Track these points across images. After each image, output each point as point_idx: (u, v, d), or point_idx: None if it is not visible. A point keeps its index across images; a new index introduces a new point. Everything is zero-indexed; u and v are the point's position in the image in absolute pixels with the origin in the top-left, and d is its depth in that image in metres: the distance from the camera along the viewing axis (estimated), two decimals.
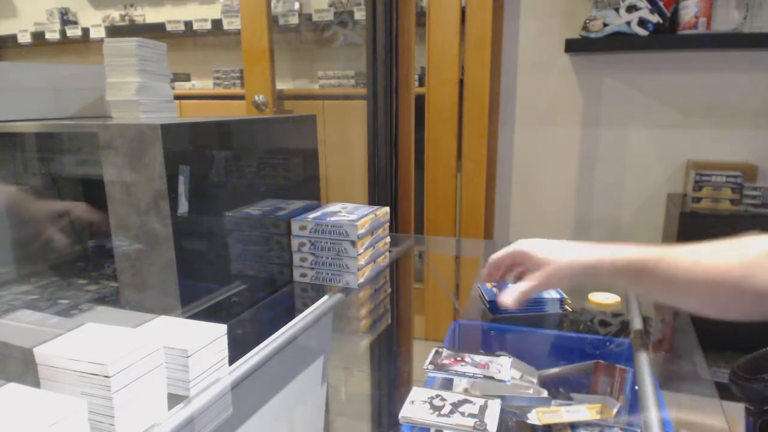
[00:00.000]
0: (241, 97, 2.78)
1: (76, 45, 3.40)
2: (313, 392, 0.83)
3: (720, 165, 2.00)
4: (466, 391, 0.70)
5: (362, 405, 0.87)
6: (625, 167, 2.26)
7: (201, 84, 3.26)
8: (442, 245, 1.76)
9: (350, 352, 1.00)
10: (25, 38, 3.45)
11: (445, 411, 0.61)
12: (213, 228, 0.92)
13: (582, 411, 0.66)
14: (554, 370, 0.79)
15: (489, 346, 0.90)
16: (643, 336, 0.85)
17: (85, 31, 3.31)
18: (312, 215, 1.08)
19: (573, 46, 2.08)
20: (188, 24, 3.07)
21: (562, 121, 2.29)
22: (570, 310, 1.00)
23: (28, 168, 1.03)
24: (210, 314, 0.87)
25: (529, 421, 0.66)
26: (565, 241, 0.79)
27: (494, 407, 0.62)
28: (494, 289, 1.03)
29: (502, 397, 0.66)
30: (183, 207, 0.83)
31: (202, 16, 3.08)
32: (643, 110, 2.18)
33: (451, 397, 0.64)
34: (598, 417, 0.65)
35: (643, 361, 0.76)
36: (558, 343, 0.91)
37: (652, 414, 0.65)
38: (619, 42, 2.00)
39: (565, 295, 1.01)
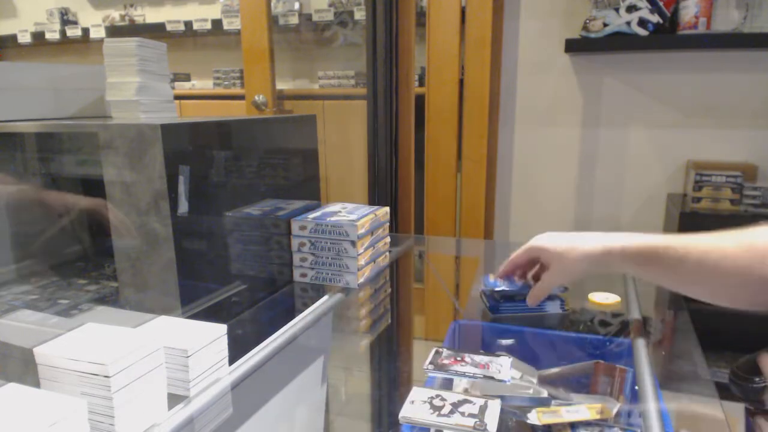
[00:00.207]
0: (241, 97, 2.78)
1: (76, 45, 3.40)
2: (313, 392, 0.83)
3: (720, 165, 2.00)
4: (466, 391, 0.70)
5: (362, 405, 0.87)
6: (625, 167, 2.26)
7: (201, 84, 3.26)
8: (442, 245, 1.76)
9: (350, 352, 1.00)
10: (25, 38, 3.45)
11: (445, 411, 0.61)
12: (213, 228, 0.92)
13: (582, 411, 0.66)
14: (554, 370, 0.79)
15: (489, 346, 0.90)
16: (643, 336, 0.85)
17: (85, 31, 3.31)
18: (312, 215, 1.08)
19: (573, 46, 2.08)
20: (188, 24, 3.07)
21: (562, 121, 2.29)
22: (570, 310, 1.00)
23: (28, 168, 1.03)
24: (210, 314, 0.87)
25: (529, 421, 0.66)
26: (577, 233, 0.81)
27: (494, 407, 0.62)
28: (499, 287, 1.03)
29: (502, 397, 0.66)
30: (183, 207, 0.83)
31: (202, 16, 3.08)
32: (643, 110, 2.18)
33: (451, 397, 0.64)
34: (598, 417, 0.65)
35: (643, 361, 0.76)
36: (558, 343, 0.91)
37: (652, 414, 0.65)
38: (619, 42, 2.00)
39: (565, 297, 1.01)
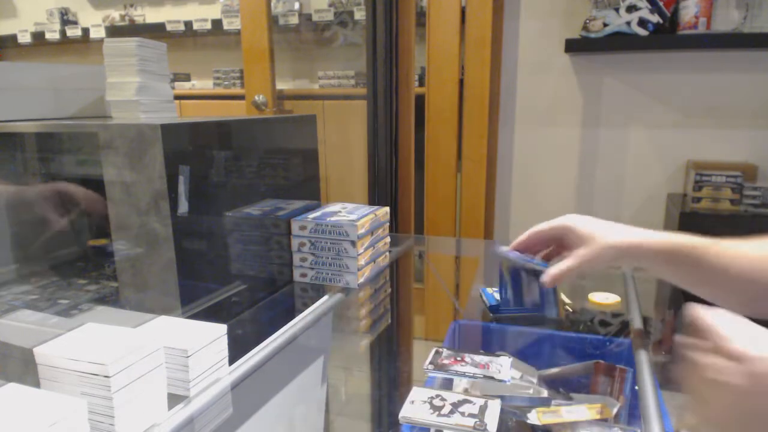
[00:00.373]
0: (241, 97, 2.78)
1: (76, 45, 3.40)
2: (313, 392, 0.83)
3: (720, 165, 2.00)
4: (466, 391, 0.70)
5: (362, 405, 0.87)
6: (625, 167, 2.26)
7: (201, 84, 3.26)
8: (442, 245, 1.76)
9: (350, 352, 1.00)
10: (25, 38, 3.45)
11: (445, 411, 0.61)
12: (213, 228, 0.92)
13: (582, 411, 0.66)
14: (554, 370, 0.79)
15: (489, 346, 0.90)
16: (643, 336, 0.85)
17: (85, 31, 3.31)
18: (312, 215, 1.08)
19: (573, 46, 2.08)
20: (188, 24, 3.07)
21: (562, 121, 2.29)
22: (570, 310, 1.00)
23: (28, 168, 1.03)
24: (210, 314, 0.87)
25: (529, 421, 0.66)
26: (606, 221, 0.78)
27: (494, 407, 0.62)
28: (495, 294, 1.03)
29: (502, 397, 0.66)
30: (183, 207, 0.83)
31: (202, 16, 3.08)
32: (643, 110, 2.18)
33: (451, 397, 0.64)
34: (598, 417, 0.65)
35: (643, 361, 0.76)
36: (558, 343, 0.91)
37: (652, 414, 0.65)
38: (619, 42, 2.00)
39: (565, 299, 1.01)
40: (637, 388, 0.72)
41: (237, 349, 0.73)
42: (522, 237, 0.87)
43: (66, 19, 3.40)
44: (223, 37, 3.14)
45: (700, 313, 0.52)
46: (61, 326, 0.63)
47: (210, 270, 0.92)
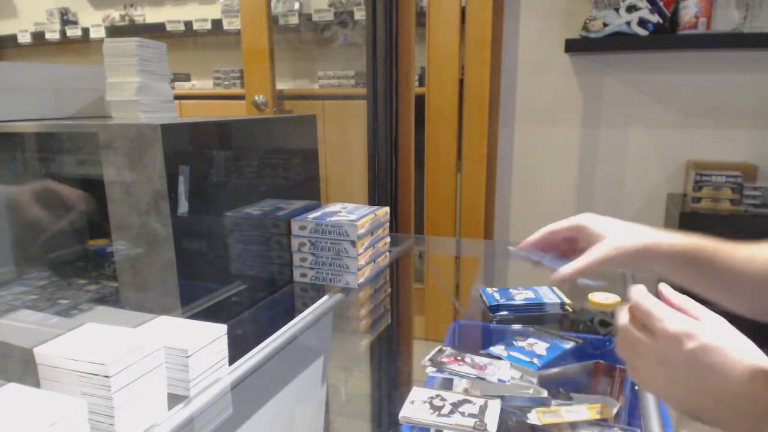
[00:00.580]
0: (241, 97, 2.78)
1: (76, 45, 3.40)
2: (313, 392, 0.83)
3: (720, 165, 2.00)
4: (466, 391, 0.70)
5: (362, 405, 0.87)
6: (625, 167, 2.25)
7: (201, 84, 3.26)
8: (442, 245, 1.76)
9: (350, 352, 1.00)
10: (25, 38, 3.45)
11: (445, 411, 0.61)
12: (213, 228, 0.92)
13: (582, 411, 0.66)
14: (554, 370, 0.79)
15: (489, 346, 0.90)
16: None
17: (85, 31, 3.31)
18: (312, 215, 1.08)
19: (573, 46, 2.08)
20: (188, 24, 3.07)
21: (562, 121, 2.29)
22: (570, 310, 1.00)
23: (28, 168, 1.03)
24: (210, 314, 0.87)
25: (529, 421, 0.66)
26: (620, 221, 0.76)
27: (494, 407, 0.62)
28: (495, 294, 1.03)
29: (502, 397, 0.66)
30: (183, 207, 0.83)
31: (202, 16, 3.08)
32: (643, 110, 2.18)
33: (451, 397, 0.64)
34: (598, 417, 0.65)
35: None
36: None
37: (652, 414, 0.65)
38: (619, 42, 2.00)
39: (565, 299, 1.02)
40: (637, 388, 0.72)
41: (237, 349, 0.73)
42: (536, 235, 0.86)
43: (66, 19, 3.40)
44: (223, 37, 3.14)
45: (641, 295, 0.54)
46: (61, 326, 0.63)
47: (210, 270, 0.92)
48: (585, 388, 0.76)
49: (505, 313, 0.98)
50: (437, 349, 0.79)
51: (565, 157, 2.32)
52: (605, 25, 1.99)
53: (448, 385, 0.73)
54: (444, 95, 2.27)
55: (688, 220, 1.87)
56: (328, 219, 1.05)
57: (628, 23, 1.96)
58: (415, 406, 0.62)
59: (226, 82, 3.11)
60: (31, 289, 0.97)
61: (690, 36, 1.94)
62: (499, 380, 0.71)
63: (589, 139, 2.27)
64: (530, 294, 1.03)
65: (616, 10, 1.97)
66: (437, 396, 0.64)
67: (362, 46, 2.69)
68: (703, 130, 2.13)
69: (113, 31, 3.29)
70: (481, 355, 0.78)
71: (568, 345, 0.85)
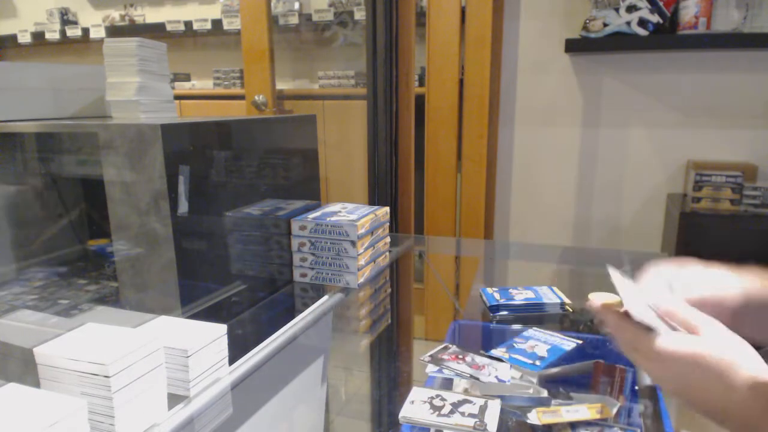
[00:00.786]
0: (241, 97, 2.78)
1: (76, 45, 3.40)
2: (313, 392, 0.83)
3: (720, 165, 2.00)
4: (466, 391, 0.70)
5: (362, 405, 0.87)
6: (625, 167, 2.26)
7: (201, 84, 3.26)
8: (442, 245, 1.76)
9: (350, 352, 1.00)
10: (25, 38, 3.45)
11: (445, 411, 0.61)
12: (213, 228, 0.92)
13: (582, 411, 0.66)
14: (554, 370, 0.79)
15: (489, 346, 0.90)
16: None
17: (85, 31, 3.31)
18: (312, 215, 1.08)
19: (573, 46, 2.08)
20: (188, 24, 3.07)
21: (562, 121, 2.29)
22: (570, 310, 1.00)
23: (28, 168, 1.03)
24: (210, 314, 0.87)
25: (529, 421, 0.66)
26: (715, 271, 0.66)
27: (494, 407, 0.62)
28: (495, 294, 1.03)
29: (502, 397, 0.66)
30: (183, 207, 0.83)
31: (202, 16, 3.08)
32: (643, 110, 2.18)
33: (451, 397, 0.64)
34: (598, 417, 0.65)
35: None
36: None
37: (652, 414, 0.65)
38: (619, 42, 2.00)
39: (565, 299, 1.02)
40: (637, 388, 0.72)
41: (237, 349, 0.73)
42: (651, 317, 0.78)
43: (66, 19, 3.40)
44: (223, 37, 3.14)
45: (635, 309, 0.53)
46: (61, 326, 0.63)
47: (210, 270, 0.92)
48: (585, 388, 0.76)
49: (505, 313, 0.98)
50: (441, 346, 0.79)
51: (565, 157, 2.32)
52: (605, 25, 1.99)
53: (448, 385, 0.73)
54: (444, 95, 2.27)
55: (688, 220, 1.87)
56: (328, 219, 1.05)
57: (628, 23, 1.96)
58: (415, 406, 0.62)
59: (226, 82, 3.11)
60: (31, 289, 0.97)
61: (690, 36, 1.94)
62: (499, 380, 0.71)
63: (589, 139, 2.27)
64: (530, 294, 1.03)
65: (616, 10, 1.97)
66: (437, 396, 0.64)
67: (362, 46, 2.69)
68: (703, 130, 2.13)
69: (113, 31, 3.29)
70: (482, 355, 0.78)
71: (569, 346, 0.85)
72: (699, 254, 0.70)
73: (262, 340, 0.81)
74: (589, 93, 2.24)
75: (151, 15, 3.33)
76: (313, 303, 0.98)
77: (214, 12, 3.13)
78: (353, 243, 1.03)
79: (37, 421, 0.44)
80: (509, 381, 0.71)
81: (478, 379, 0.70)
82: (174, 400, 0.62)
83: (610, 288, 0.72)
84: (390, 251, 1.24)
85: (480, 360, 0.76)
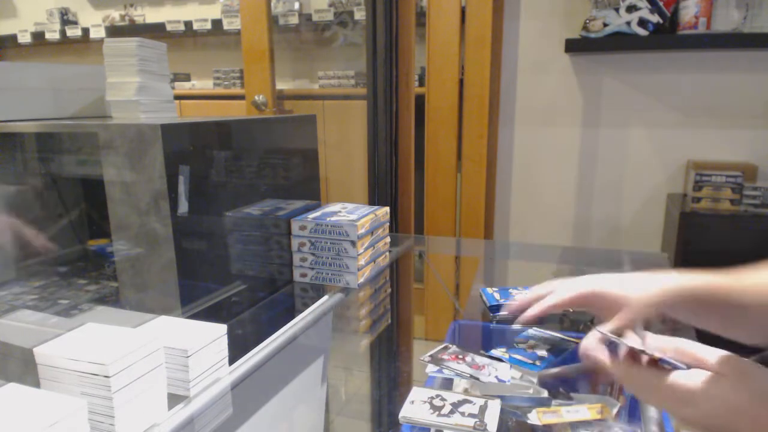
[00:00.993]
0: (241, 97, 2.78)
1: (76, 45, 3.40)
2: (313, 392, 0.83)
3: (720, 165, 2.00)
4: (466, 391, 0.70)
5: (362, 405, 0.87)
6: (625, 167, 2.26)
7: (201, 84, 3.26)
8: (442, 245, 1.76)
9: (350, 352, 1.00)
10: (25, 38, 3.45)
11: (445, 411, 0.61)
12: (213, 228, 0.92)
13: (582, 411, 0.66)
14: (554, 370, 0.79)
15: (489, 346, 0.90)
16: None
17: (85, 31, 3.31)
18: (312, 215, 1.08)
19: (573, 46, 2.08)
20: (188, 24, 3.07)
21: (562, 121, 2.29)
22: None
23: (28, 168, 1.03)
24: (210, 314, 0.87)
25: (529, 421, 0.66)
26: (628, 275, 0.74)
27: (494, 407, 0.62)
28: (495, 294, 1.03)
29: (502, 397, 0.66)
30: (183, 207, 0.83)
31: (202, 16, 3.08)
32: (643, 110, 2.18)
33: (451, 397, 0.64)
34: (598, 417, 0.65)
35: None
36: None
37: (652, 414, 0.65)
38: (619, 42, 2.00)
39: None
40: None
41: (237, 349, 0.73)
42: (535, 311, 0.80)
43: (66, 19, 3.40)
44: (223, 37, 3.14)
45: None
46: (61, 326, 0.63)
47: (210, 270, 0.92)
48: (585, 388, 0.75)
49: (505, 313, 0.98)
50: (441, 346, 0.79)
51: (565, 157, 2.32)
52: (605, 25, 1.99)
53: (448, 385, 0.73)
54: (444, 95, 2.27)
55: (688, 220, 1.87)
56: (328, 219, 1.05)
57: (628, 23, 1.96)
58: (415, 406, 0.62)
59: (226, 82, 3.11)
60: (31, 289, 0.97)
61: (690, 36, 1.94)
62: (499, 380, 0.71)
63: (589, 139, 2.27)
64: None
65: (616, 10, 1.97)
66: (437, 396, 0.64)
67: (362, 46, 2.69)
68: (703, 130, 2.13)
69: (113, 31, 3.29)
70: (482, 355, 0.78)
71: (569, 346, 0.84)
72: (699, 254, 0.72)
73: (262, 340, 0.81)
74: (589, 93, 2.24)
75: (151, 15, 3.33)
76: (313, 303, 0.98)
77: (214, 12, 3.13)
78: (353, 243, 1.03)
79: (37, 421, 0.44)
80: (509, 381, 0.71)
81: (478, 379, 0.70)
82: (174, 400, 0.62)
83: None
84: (390, 251, 1.24)
85: (480, 360, 0.76)
